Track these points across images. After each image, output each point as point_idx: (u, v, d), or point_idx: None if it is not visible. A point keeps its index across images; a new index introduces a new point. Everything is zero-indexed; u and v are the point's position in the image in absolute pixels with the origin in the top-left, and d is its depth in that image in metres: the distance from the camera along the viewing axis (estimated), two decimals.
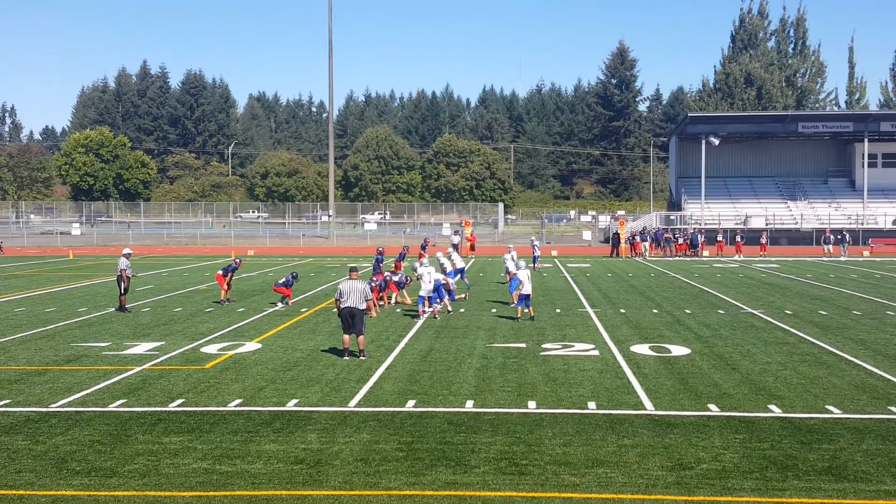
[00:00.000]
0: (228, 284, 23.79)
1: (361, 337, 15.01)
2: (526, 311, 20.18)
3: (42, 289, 28.72)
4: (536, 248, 37.87)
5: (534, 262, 36.16)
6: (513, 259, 27.87)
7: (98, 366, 14.64)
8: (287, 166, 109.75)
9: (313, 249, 56.60)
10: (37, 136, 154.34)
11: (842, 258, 46.38)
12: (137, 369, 14.26)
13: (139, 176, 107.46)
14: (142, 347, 16.45)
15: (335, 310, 15.81)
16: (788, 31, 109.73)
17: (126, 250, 23.16)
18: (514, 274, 22.81)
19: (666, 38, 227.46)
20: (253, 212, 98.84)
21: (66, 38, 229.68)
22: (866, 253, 50.98)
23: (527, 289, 19.92)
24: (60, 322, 20.24)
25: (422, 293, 20.60)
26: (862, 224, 61.00)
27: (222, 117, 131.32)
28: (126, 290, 22.07)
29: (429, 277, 20.63)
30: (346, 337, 15.06)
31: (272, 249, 56.81)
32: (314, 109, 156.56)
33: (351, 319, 14.87)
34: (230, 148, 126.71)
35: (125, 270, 21.94)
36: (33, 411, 11.46)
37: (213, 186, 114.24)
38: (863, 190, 63.92)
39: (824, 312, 21.92)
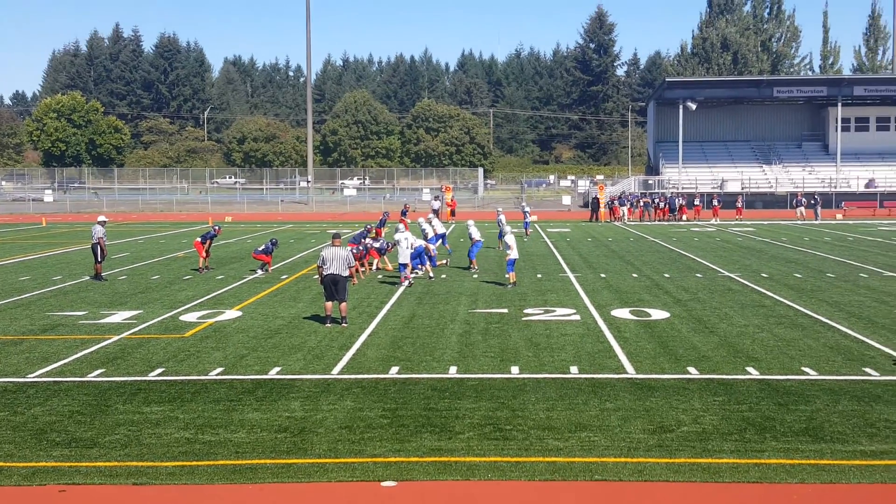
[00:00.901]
0: (207, 252, 23.59)
1: (344, 304, 14.96)
2: (507, 276, 20.21)
3: (15, 257, 28.30)
4: (528, 215, 37.75)
5: (525, 228, 36.04)
6: (501, 223, 27.88)
7: (75, 335, 14.48)
8: (264, 131, 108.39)
9: (292, 215, 56.22)
10: (7, 101, 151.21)
11: (815, 221, 46.88)
12: (115, 338, 14.13)
13: (112, 141, 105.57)
14: (119, 316, 16.29)
15: (317, 277, 15.73)
16: None
17: (101, 217, 22.90)
18: (477, 240, 23.05)
19: (644, 3, 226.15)
20: (230, 177, 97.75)
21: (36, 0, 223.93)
22: (839, 216, 51.57)
23: (514, 254, 19.93)
24: (35, 291, 19.97)
25: (401, 260, 20.46)
26: (835, 187, 61.60)
27: (197, 81, 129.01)
28: (103, 257, 21.82)
29: (406, 244, 20.48)
30: (329, 304, 15.01)
31: (250, 216, 56.33)
32: (291, 74, 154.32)
33: (334, 287, 14.81)
34: (206, 113, 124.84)
35: (102, 239, 21.66)
36: (10, 382, 11.32)
37: (189, 152, 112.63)
38: (836, 154, 64.45)
39: (799, 275, 22.17)
